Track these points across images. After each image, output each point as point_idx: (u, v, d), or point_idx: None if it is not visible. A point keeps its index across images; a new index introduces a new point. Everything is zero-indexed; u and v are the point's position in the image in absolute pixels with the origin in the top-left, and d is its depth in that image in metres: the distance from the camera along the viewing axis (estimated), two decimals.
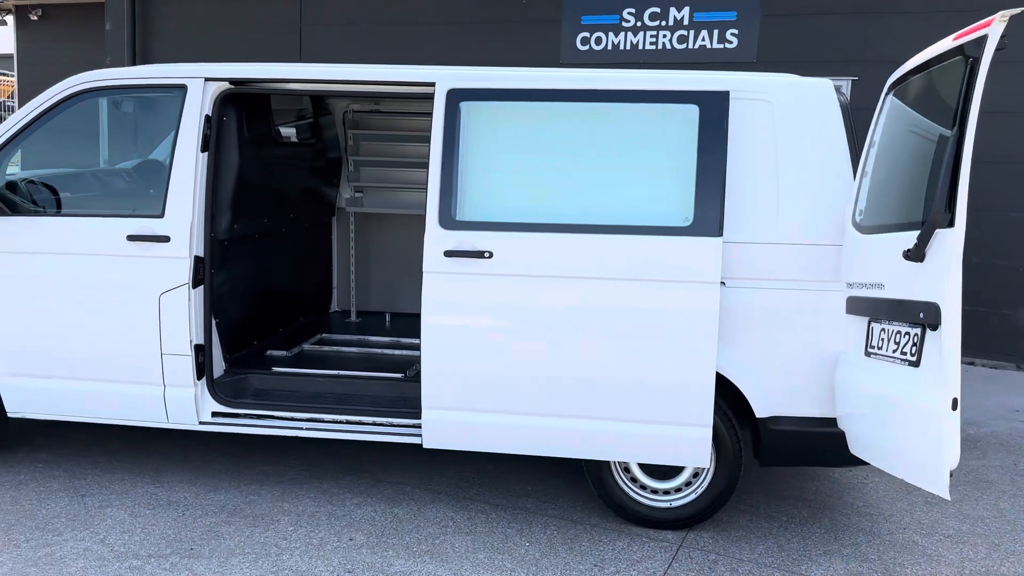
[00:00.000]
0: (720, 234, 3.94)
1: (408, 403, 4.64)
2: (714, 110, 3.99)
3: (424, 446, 4.31)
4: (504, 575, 3.85)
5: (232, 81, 4.48)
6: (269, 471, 4.94)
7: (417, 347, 5.46)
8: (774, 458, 4.22)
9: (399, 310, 6.47)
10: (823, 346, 4.06)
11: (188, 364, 4.47)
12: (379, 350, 5.45)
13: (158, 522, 4.26)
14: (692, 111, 4.01)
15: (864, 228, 3.75)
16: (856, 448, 3.83)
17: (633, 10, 8.99)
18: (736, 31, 8.71)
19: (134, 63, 11.43)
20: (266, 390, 4.77)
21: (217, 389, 4.58)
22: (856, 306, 3.77)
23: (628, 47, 9.08)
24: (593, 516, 4.48)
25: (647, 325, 4.01)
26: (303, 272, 6.07)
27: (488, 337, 4.13)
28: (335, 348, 5.48)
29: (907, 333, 3.35)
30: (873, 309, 3.61)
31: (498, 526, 4.34)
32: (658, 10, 8.92)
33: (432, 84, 4.22)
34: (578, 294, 4.05)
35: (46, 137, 4.64)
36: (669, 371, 4.01)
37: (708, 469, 4.26)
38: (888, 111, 3.80)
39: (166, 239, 4.41)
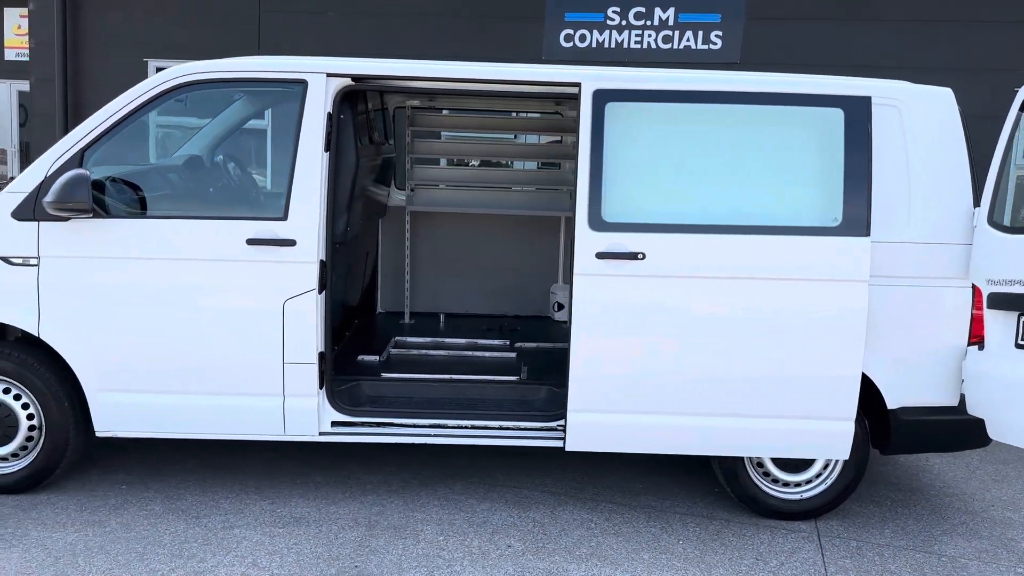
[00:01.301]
0: (868, 234, 4.12)
1: (530, 406, 4.60)
2: (858, 114, 4.16)
3: (566, 449, 4.28)
4: (679, 574, 3.89)
5: (354, 77, 4.28)
6: (373, 480, 4.76)
7: (499, 348, 5.44)
8: (901, 447, 4.45)
9: (447, 310, 6.35)
10: (949, 339, 4.30)
11: (312, 373, 4.26)
12: (465, 352, 5.35)
13: (299, 540, 4.04)
14: (837, 114, 4.16)
15: (1011, 228, 4.01)
16: (1000, 434, 4.09)
17: (618, 9, 9.13)
18: (720, 33, 9.01)
19: (65, 49, 10.64)
20: (381, 397, 4.60)
21: (336, 398, 4.38)
22: (1003, 301, 4.02)
23: (613, 45, 9.22)
24: (719, 511, 4.58)
25: (796, 323, 4.13)
26: (361, 273, 5.87)
27: (640, 338, 4.15)
28: (421, 352, 5.33)
29: None
30: None
31: (639, 525, 4.37)
32: (643, 10, 9.10)
33: (577, 84, 4.18)
34: (729, 294, 4.12)
35: (141, 133, 4.30)
36: (817, 367, 4.15)
37: (839, 461, 4.44)
38: None
39: (291, 243, 4.18)
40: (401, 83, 4.36)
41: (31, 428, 4.35)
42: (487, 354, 5.34)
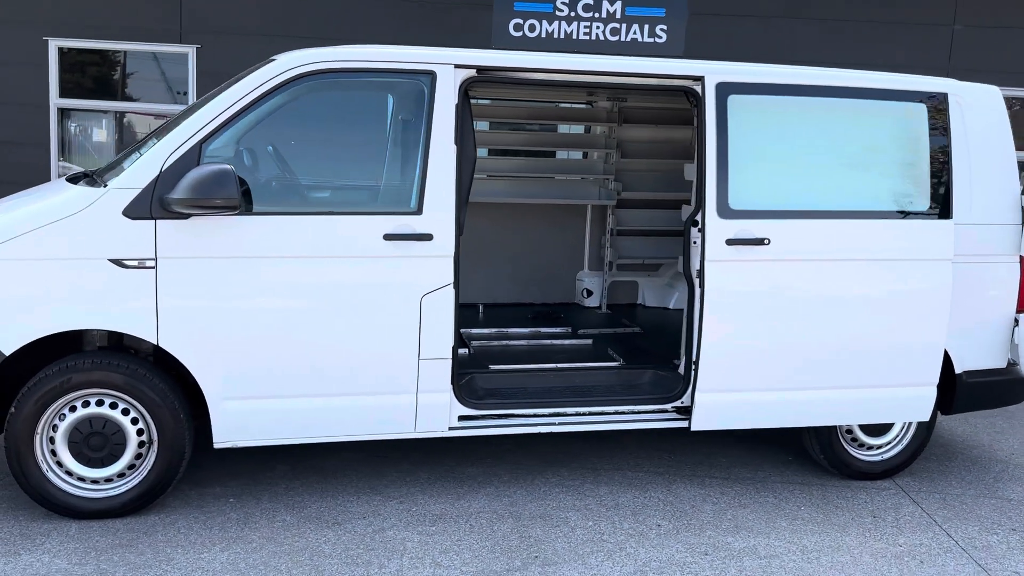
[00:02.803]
0: (951, 217, 4.57)
1: (639, 389, 4.76)
2: (939, 108, 4.60)
3: (691, 429, 4.47)
4: (825, 537, 4.19)
5: (479, 69, 4.23)
6: (479, 473, 4.74)
7: (566, 335, 5.55)
8: (963, 406, 4.94)
9: (477, 300, 6.33)
10: (1002, 308, 4.86)
11: (446, 368, 4.20)
12: (541, 341, 5.40)
13: (460, 536, 4.00)
14: (921, 109, 4.58)
15: None
16: None
17: (567, 0, 9.30)
18: (665, 27, 9.39)
19: None
20: (497, 389, 4.59)
21: (461, 392, 4.34)
22: None
23: (562, 36, 9.38)
24: (808, 476, 4.93)
25: (895, 298, 4.52)
26: None
27: (765, 320, 4.39)
28: (501, 343, 5.32)
29: None
30: None
31: (755, 496, 4.62)
32: (591, 2, 9.32)
33: (700, 78, 4.35)
34: (840, 274, 4.45)
35: (259, 126, 4.06)
36: (910, 338, 4.57)
37: (912, 424, 4.89)
38: None
39: (428, 237, 4.09)
40: (522, 75, 4.34)
41: (139, 444, 4.01)
42: (564, 342, 5.41)
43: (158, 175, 3.85)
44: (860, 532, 4.25)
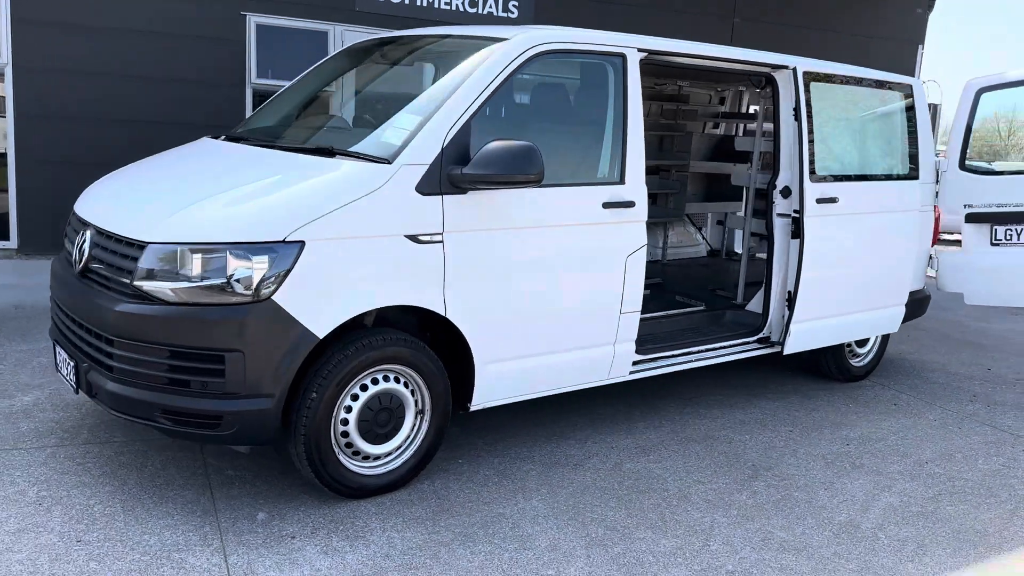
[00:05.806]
0: (919, 179, 6.16)
1: (726, 327, 5.74)
2: (910, 95, 6.13)
3: (784, 353, 5.57)
4: (892, 422, 5.56)
5: (650, 52, 4.82)
6: (616, 412, 5.37)
7: None
8: (905, 320, 6.63)
9: None
10: (924, 246, 6.61)
11: (636, 320, 4.81)
12: None
13: (682, 461, 4.68)
14: (899, 96, 6.08)
15: (984, 172, 6.40)
16: (977, 300, 6.55)
17: None
18: (516, 3, 10.10)
19: None
20: (639, 336, 5.23)
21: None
22: (979, 218, 6.43)
23: (424, 4, 9.67)
24: (818, 383, 6.30)
25: (895, 238, 6.02)
26: None
27: (835, 263, 5.61)
28: None
29: None
30: (999, 218, 6.32)
31: (812, 404, 5.86)
32: None
33: (793, 68, 5.37)
34: (873, 223, 5.83)
35: (500, 102, 4.27)
36: (898, 269, 6.11)
37: (879, 336, 6.48)
38: (982, 103, 6.47)
39: (631, 204, 4.64)
40: (675, 59, 4.98)
41: (415, 416, 4.10)
42: None
43: (441, 151, 3.94)
44: (903, 415, 5.71)
